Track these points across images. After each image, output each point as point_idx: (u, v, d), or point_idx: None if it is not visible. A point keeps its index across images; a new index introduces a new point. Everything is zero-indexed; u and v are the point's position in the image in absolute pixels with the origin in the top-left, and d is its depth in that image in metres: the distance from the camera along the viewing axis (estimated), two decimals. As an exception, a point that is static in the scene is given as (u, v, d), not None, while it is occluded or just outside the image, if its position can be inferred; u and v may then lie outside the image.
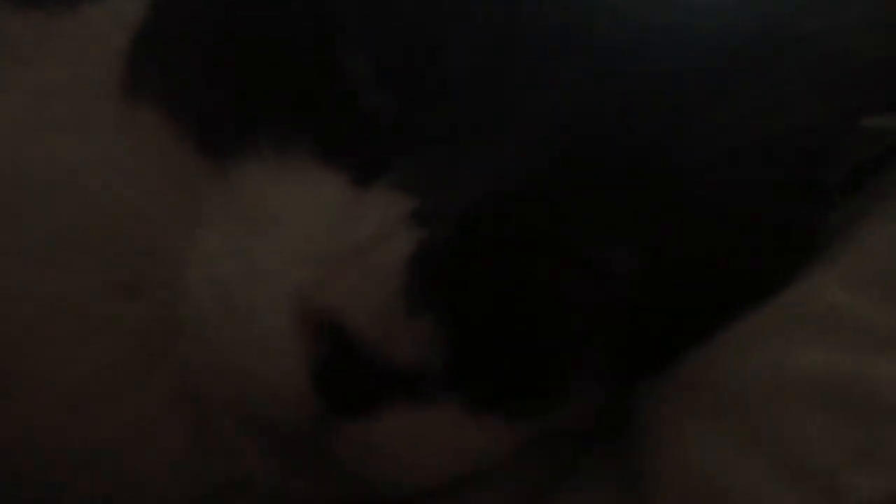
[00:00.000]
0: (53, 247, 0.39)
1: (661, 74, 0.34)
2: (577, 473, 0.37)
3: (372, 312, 0.31)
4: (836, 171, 0.39)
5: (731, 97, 0.35)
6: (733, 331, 0.34)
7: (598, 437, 0.38)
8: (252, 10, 0.38)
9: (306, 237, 0.33)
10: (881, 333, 0.30)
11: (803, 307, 0.33)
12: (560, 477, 0.37)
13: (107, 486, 0.39)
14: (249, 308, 0.33)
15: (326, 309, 0.31)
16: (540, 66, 0.34)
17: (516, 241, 0.33)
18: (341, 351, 0.31)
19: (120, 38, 0.42)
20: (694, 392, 0.33)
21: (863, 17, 0.37)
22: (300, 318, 0.32)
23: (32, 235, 0.39)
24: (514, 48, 0.34)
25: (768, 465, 0.29)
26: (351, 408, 0.32)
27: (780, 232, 0.36)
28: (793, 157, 0.36)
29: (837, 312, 0.31)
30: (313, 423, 0.32)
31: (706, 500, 0.30)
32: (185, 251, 0.36)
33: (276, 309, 0.32)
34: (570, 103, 0.34)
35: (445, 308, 0.31)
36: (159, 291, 0.38)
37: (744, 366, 0.32)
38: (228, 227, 0.35)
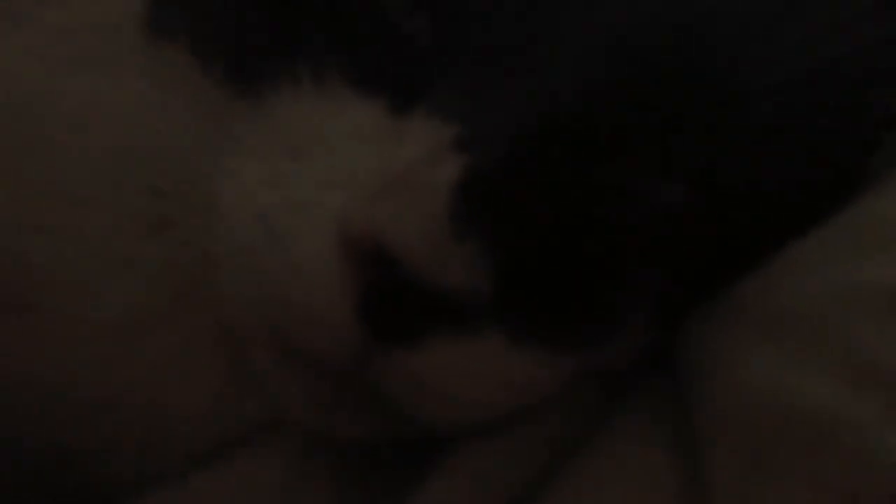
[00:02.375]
0: (81, 183, 0.38)
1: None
2: (626, 410, 0.36)
3: (418, 236, 0.30)
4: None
5: (793, 17, 0.34)
6: (793, 251, 0.33)
7: (647, 372, 0.36)
8: None
9: (346, 164, 0.32)
10: None
11: (864, 222, 0.32)
12: (608, 413, 0.36)
13: (139, 426, 0.38)
14: (290, 236, 0.32)
15: (371, 233, 0.30)
16: None
17: (565, 167, 0.32)
18: (386, 276, 0.30)
19: None
20: (753, 315, 0.32)
21: None
22: (343, 243, 0.31)
23: (59, 172, 0.38)
24: None
25: (843, 381, 0.28)
26: (396, 336, 0.31)
27: (839, 155, 0.35)
28: (854, 79, 0.35)
29: None
30: (357, 355, 0.31)
31: (776, 422, 0.29)
32: (219, 184, 0.35)
33: (318, 235, 0.31)
34: (623, 22, 0.33)
35: (493, 233, 0.30)
36: (190, 226, 0.37)
37: (808, 284, 0.31)
38: (266, 157, 0.34)
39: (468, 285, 0.30)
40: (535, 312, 0.32)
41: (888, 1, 0.35)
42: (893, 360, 0.28)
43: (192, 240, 0.37)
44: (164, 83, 0.39)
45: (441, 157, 0.31)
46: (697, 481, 0.32)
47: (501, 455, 0.35)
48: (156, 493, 0.38)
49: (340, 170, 0.32)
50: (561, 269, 0.32)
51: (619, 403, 0.36)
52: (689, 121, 0.33)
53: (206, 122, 0.37)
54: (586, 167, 0.32)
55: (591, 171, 0.32)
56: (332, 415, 0.35)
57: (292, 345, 0.33)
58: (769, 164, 0.34)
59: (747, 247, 0.34)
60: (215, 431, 0.38)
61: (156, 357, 0.38)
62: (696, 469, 0.32)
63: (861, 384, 0.28)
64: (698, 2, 0.33)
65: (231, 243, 0.33)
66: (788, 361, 0.30)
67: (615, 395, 0.36)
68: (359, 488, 0.38)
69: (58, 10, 0.43)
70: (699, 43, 0.33)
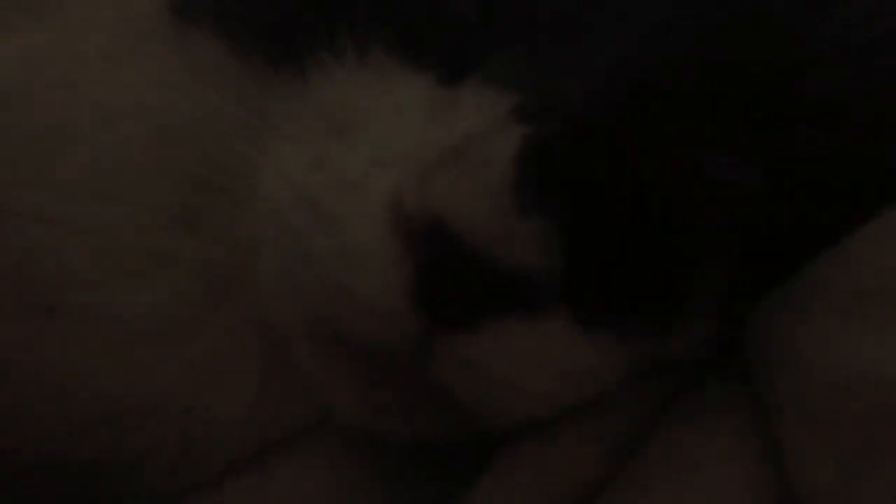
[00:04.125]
0: (108, 176, 0.36)
1: None
2: (690, 405, 0.34)
3: (479, 210, 0.28)
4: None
5: None
6: (870, 228, 0.30)
7: (716, 364, 0.34)
8: None
9: (396, 141, 0.30)
10: None
11: None
12: (676, 408, 0.34)
13: (175, 431, 0.36)
14: (340, 218, 0.30)
15: (427, 209, 0.28)
16: None
17: (639, 138, 0.30)
18: (445, 255, 0.28)
19: None
20: (835, 297, 0.30)
21: None
22: (396, 222, 0.29)
23: (85, 165, 0.37)
24: None
25: None
26: (456, 319, 0.29)
27: None
28: None
29: None
30: (414, 342, 0.29)
31: (874, 404, 0.27)
32: (258, 169, 0.33)
33: (370, 216, 0.29)
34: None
35: (562, 206, 0.28)
36: (225, 219, 0.35)
37: (891, 259, 0.29)
38: (309, 138, 0.32)
39: (535, 263, 0.28)
40: (606, 294, 0.30)
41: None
42: None
43: (226, 233, 0.35)
44: (193, 70, 0.37)
45: (501, 126, 0.29)
46: (777, 479, 0.30)
47: (560, 454, 0.33)
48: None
49: (390, 147, 0.30)
50: (633, 248, 0.30)
51: (688, 397, 0.34)
52: (758, 92, 0.31)
53: (239, 108, 0.35)
54: (662, 140, 0.30)
55: (666, 145, 0.30)
56: (382, 414, 0.33)
57: (343, 336, 0.31)
58: (843, 136, 0.32)
59: (821, 232, 0.32)
60: (255, 437, 0.36)
61: (190, 360, 0.36)
62: (776, 466, 0.30)
63: None
64: None
65: (276, 229, 0.31)
66: (883, 339, 0.28)
67: (683, 388, 0.34)
68: (406, 496, 0.35)
69: (80, 2, 0.41)
70: (771, 13, 0.31)
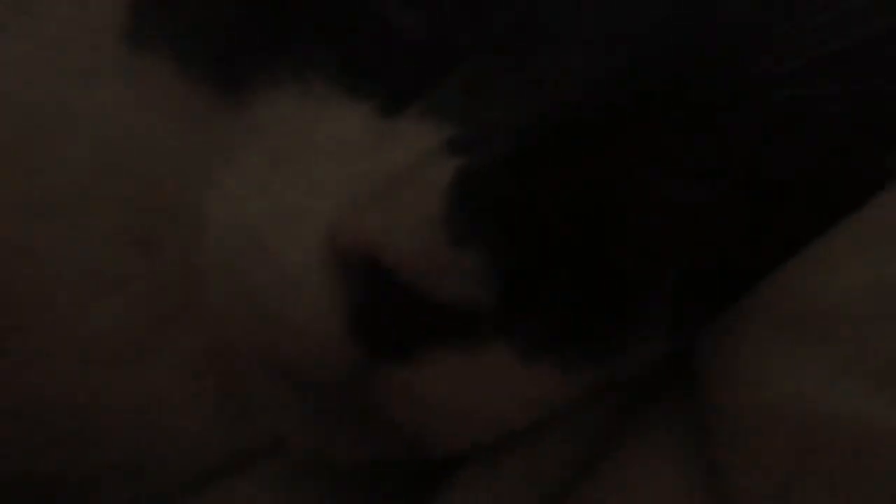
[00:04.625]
0: (63, 199, 0.36)
1: None
2: (640, 422, 0.34)
3: (411, 244, 0.28)
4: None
5: (808, 4, 0.31)
6: (816, 248, 0.30)
7: (664, 383, 0.34)
8: None
9: (334, 171, 0.30)
10: None
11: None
12: (627, 427, 0.34)
13: (130, 450, 0.36)
14: (279, 248, 0.30)
15: (360, 244, 0.28)
16: None
17: (576, 164, 0.29)
18: (379, 288, 0.28)
19: None
20: (775, 318, 0.30)
21: None
22: (332, 254, 0.29)
23: (41, 187, 0.36)
24: None
25: (876, 381, 0.26)
26: (392, 352, 0.29)
27: (859, 148, 0.33)
28: (883, 64, 0.32)
29: None
30: (352, 372, 0.29)
31: (808, 437, 0.27)
32: (204, 196, 0.33)
33: (307, 247, 0.29)
34: (634, 14, 0.31)
35: (495, 237, 0.28)
36: (176, 243, 0.35)
37: (834, 279, 0.29)
38: (252, 166, 0.32)
39: (470, 296, 0.28)
40: (545, 323, 0.30)
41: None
42: None
43: (180, 256, 0.35)
44: (148, 94, 0.37)
45: (435, 158, 0.29)
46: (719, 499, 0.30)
47: (512, 475, 0.33)
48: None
49: (329, 176, 0.30)
50: (572, 274, 0.30)
51: (638, 416, 0.34)
52: (707, 114, 0.31)
53: (193, 133, 0.35)
54: (599, 164, 0.30)
55: (604, 169, 0.30)
56: (330, 437, 0.33)
57: (285, 364, 0.31)
58: (793, 157, 0.32)
59: (770, 248, 0.32)
60: (211, 456, 0.36)
61: (144, 381, 0.36)
62: (719, 487, 0.30)
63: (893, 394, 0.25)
64: None
65: (218, 258, 0.31)
66: (816, 367, 0.28)
67: (633, 407, 0.34)
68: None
69: (36, 21, 0.41)
70: (716, 29, 0.31)
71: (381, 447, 0.32)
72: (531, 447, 0.33)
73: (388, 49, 0.32)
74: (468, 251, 0.28)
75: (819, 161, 0.32)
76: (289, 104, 0.32)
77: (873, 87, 0.32)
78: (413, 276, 0.27)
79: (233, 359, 0.33)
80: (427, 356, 0.29)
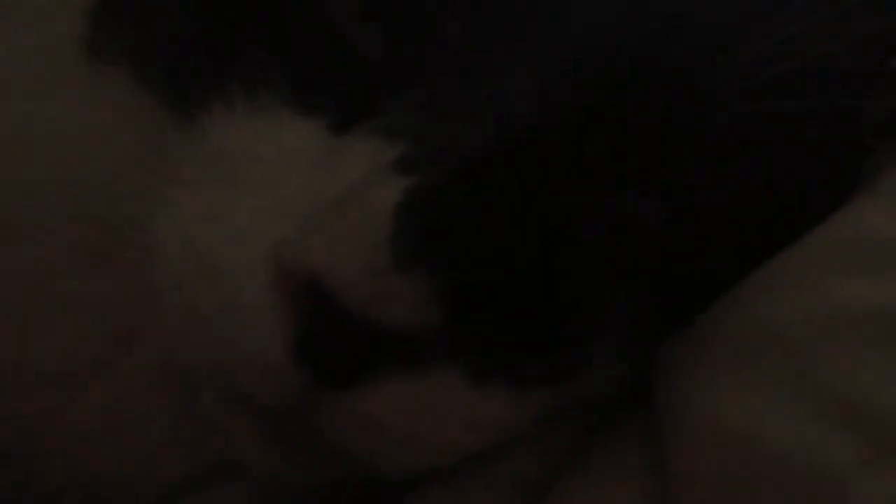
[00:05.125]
0: (15, 214, 0.36)
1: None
2: (598, 443, 0.33)
3: (354, 268, 0.27)
4: (873, 108, 0.35)
5: (774, 14, 0.31)
6: (766, 271, 0.30)
7: (622, 402, 0.34)
8: None
9: (282, 191, 0.30)
10: None
11: (844, 239, 0.29)
12: (581, 447, 0.33)
13: (85, 471, 0.36)
14: (226, 271, 0.30)
15: (304, 267, 0.28)
16: None
17: (524, 184, 0.29)
18: (324, 314, 0.27)
19: None
20: (722, 343, 0.29)
21: None
22: (278, 278, 0.28)
23: None
24: None
25: (816, 412, 0.25)
26: (339, 377, 0.28)
27: (816, 167, 0.32)
28: (828, 86, 0.32)
29: (884, 243, 0.28)
30: (300, 398, 0.29)
31: (744, 456, 0.26)
32: (155, 216, 0.32)
33: (254, 271, 0.29)
34: (588, 30, 0.30)
35: (440, 260, 0.28)
36: (131, 260, 0.35)
37: (779, 305, 0.28)
38: (201, 185, 0.32)
39: (414, 321, 0.27)
40: (494, 345, 0.29)
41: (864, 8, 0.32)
42: (868, 394, 0.25)
43: (134, 274, 0.35)
44: (106, 108, 0.36)
45: (381, 178, 0.28)
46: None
47: (477, 496, 0.33)
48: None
49: (276, 197, 0.30)
50: (521, 296, 0.29)
51: (595, 439, 0.33)
52: (661, 130, 0.30)
53: (148, 150, 0.34)
54: (547, 183, 0.30)
55: (552, 188, 0.30)
56: (285, 460, 0.32)
57: (236, 388, 0.30)
58: (749, 176, 0.32)
59: (725, 268, 0.32)
60: (169, 475, 0.36)
61: (99, 401, 0.35)
62: None
63: (835, 423, 0.25)
64: (669, 5, 0.30)
65: (169, 280, 0.31)
66: (758, 397, 0.27)
67: (590, 430, 0.34)
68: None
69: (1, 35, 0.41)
70: (670, 45, 0.30)
71: (337, 470, 0.32)
72: (494, 468, 0.33)
73: (341, 65, 0.32)
74: (414, 274, 0.27)
75: (776, 179, 0.32)
76: (239, 121, 0.32)
77: (832, 103, 0.32)
78: (354, 301, 0.27)
79: (187, 380, 0.33)
80: (373, 382, 0.28)
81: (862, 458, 0.24)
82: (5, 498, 0.36)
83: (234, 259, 0.30)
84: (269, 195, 0.30)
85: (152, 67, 0.35)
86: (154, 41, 0.35)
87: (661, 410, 0.31)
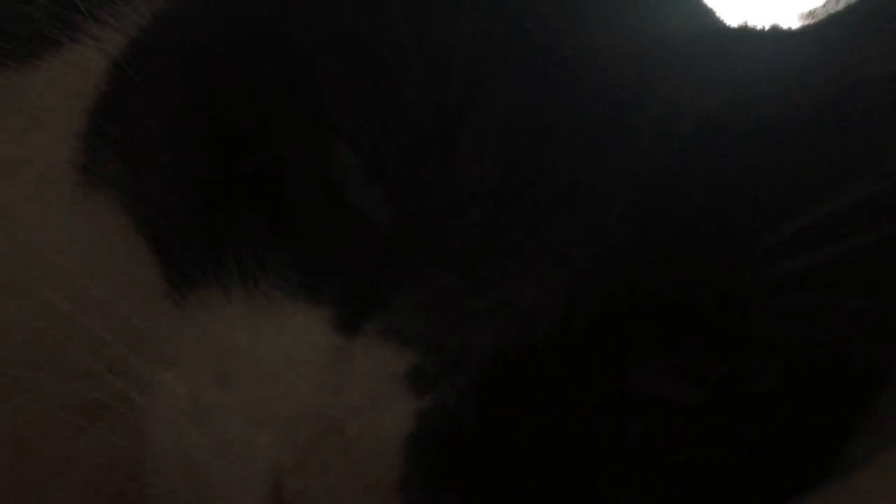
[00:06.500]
0: (11, 370, 0.34)
1: (717, 191, 0.28)
2: None
3: None
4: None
5: (802, 202, 0.28)
6: None
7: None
8: (226, 88, 0.32)
9: (282, 396, 0.27)
10: None
11: None
12: None
13: None
14: (219, 487, 0.27)
15: (302, 502, 0.25)
16: (575, 177, 0.28)
17: (549, 405, 0.27)
18: None
19: (80, 104, 0.36)
20: None
21: None
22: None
23: None
24: (543, 155, 0.28)
25: None
26: None
27: (857, 365, 0.30)
28: (871, 281, 0.29)
29: None
30: None
31: None
32: (147, 403, 0.30)
33: (248, 491, 0.27)
34: (613, 225, 0.28)
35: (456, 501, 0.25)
36: (124, 415, 0.32)
37: None
38: (194, 376, 0.29)
39: None
40: None
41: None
42: None
43: (129, 428, 0.32)
44: (95, 241, 0.34)
45: (391, 397, 0.26)
46: None
47: None
48: None
49: (276, 405, 0.27)
50: None
51: None
52: (687, 328, 0.28)
53: (142, 299, 0.32)
54: (567, 392, 0.27)
55: (572, 395, 0.27)
56: None
57: None
58: (782, 367, 0.29)
59: (764, 463, 0.29)
60: None
61: None
62: None
63: None
64: (698, 195, 0.28)
65: (161, 487, 0.29)
66: None
67: None
68: None
69: None
70: (699, 242, 0.28)
71: None
72: None
73: (347, 240, 0.29)
74: None
75: (808, 371, 0.29)
76: (238, 311, 0.29)
77: (862, 299, 0.29)
78: None
79: None
80: None
81: None
82: None
83: (228, 473, 0.27)
84: (267, 400, 0.27)
85: (143, 216, 0.32)
86: (145, 186, 0.33)
87: None
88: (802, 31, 0.34)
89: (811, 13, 0.59)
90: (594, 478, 0.28)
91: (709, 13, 0.36)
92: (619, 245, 0.27)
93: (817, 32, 0.33)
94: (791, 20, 0.41)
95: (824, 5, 0.60)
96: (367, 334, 0.27)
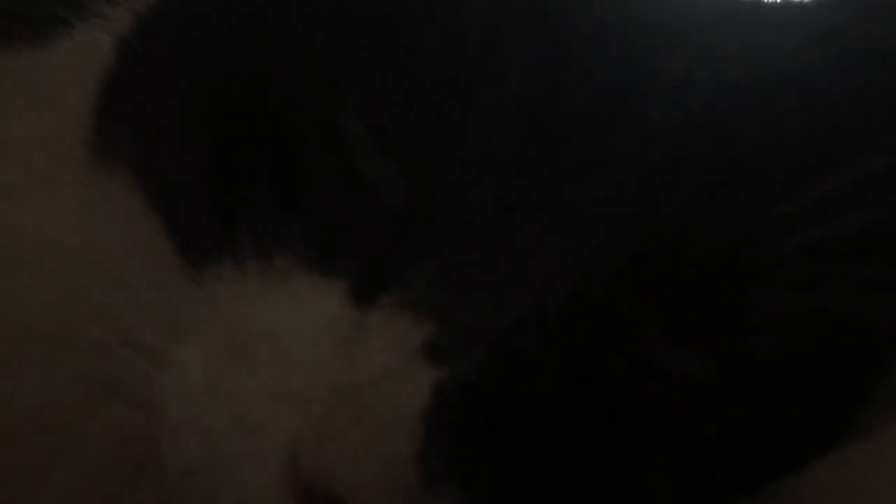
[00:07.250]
0: (29, 348, 0.34)
1: (730, 161, 0.27)
2: None
3: (375, 482, 0.25)
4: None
5: (819, 171, 0.28)
6: None
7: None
8: (236, 60, 0.32)
9: (299, 370, 0.27)
10: None
11: None
12: None
13: None
14: (236, 459, 0.27)
15: (321, 475, 0.25)
16: (588, 148, 0.28)
17: (564, 375, 0.27)
18: None
19: (90, 84, 0.36)
20: None
21: None
22: (290, 478, 0.26)
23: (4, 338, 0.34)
24: (557, 126, 0.28)
25: None
26: None
27: (870, 334, 0.30)
28: (882, 251, 0.29)
29: None
30: None
31: None
32: (163, 381, 0.30)
33: (266, 463, 0.27)
34: (627, 196, 0.27)
35: (472, 477, 0.25)
36: (139, 390, 0.32)
37: None
38: (209, 351, 0.29)
39: None
40: None
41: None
42: None
43: (146, 403, 0.32)
44: (108, 220, 0.34)
45: (409, 368, 0.26)
46: None
47: None
48: None
49: (292, 378, 0.27)
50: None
51: None
52: (700, 300, 0.28)
53: (153, 266, 0.32)
54: (583, 362, 0.27)
55: (589, 366, 0.27)
56: None
57: None
58: (794, 341, 0.29)
59: (776, 437, 0.29)
60: None
61: None
62: None
63: None
64: (707, 171, 0.28)
65: (177, 459, 0.29)
66: None
67: None
68: None
69: None
70: (709, 214, 0.28)
71: None
72: None
73: (360, 214, 0.29)
74: (443, 492, 0.25)
75: (824, 340, 0.29)
76: (253, 285, 0.29)
77: (880, 270, 0.29)
78: None
79: None
80: None
81: None
82: None
83: (246, 447, 0.27)
84: (282, 377, 0.28)
85: (155, 193, 0.32)
86: (157, 163, 0.33)
87: None
88: (816, 4, 0.34)
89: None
90: (610, 447, 0.28)
91: None
92: (632, 216, 0.27)
93: (831, 5, 0.33)
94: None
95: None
96: (382, 307, 0.27)
